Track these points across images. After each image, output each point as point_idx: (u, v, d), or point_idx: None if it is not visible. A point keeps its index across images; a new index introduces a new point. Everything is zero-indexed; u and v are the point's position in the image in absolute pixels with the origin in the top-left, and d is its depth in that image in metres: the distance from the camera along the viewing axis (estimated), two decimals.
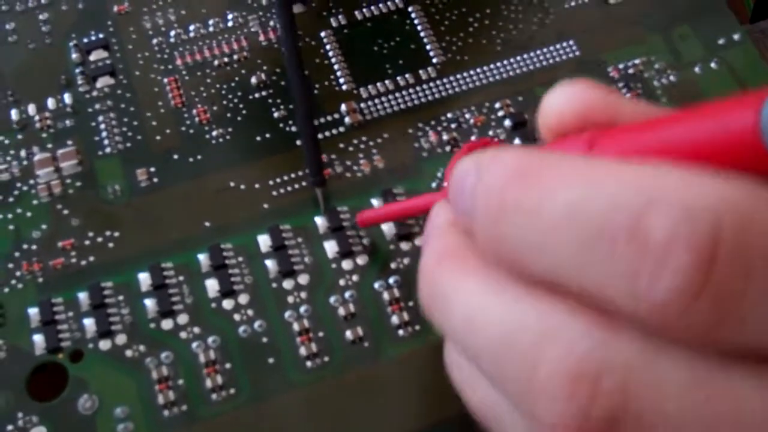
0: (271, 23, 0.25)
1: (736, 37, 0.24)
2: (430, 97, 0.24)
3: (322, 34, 0.25)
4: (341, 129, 0.23)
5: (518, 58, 0.24)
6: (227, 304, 0.21)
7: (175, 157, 0.23)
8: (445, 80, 0.24)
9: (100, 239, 0.22)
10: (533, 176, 0.12)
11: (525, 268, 0.12)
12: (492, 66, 0.24)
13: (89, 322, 0.20)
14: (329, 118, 0.23)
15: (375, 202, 0.22)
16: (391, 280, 0.21)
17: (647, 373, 0.10)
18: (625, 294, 0.10)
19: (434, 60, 0.24)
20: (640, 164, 0.11)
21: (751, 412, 0.10)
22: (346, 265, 0.21)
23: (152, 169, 0.23)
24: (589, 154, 0.12)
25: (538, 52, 0.24)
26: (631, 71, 0.24)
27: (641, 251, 0.10)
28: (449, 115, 0.23)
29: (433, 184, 0.22)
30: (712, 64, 0.24)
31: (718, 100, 0.12)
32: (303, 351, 0.20)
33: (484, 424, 0.14)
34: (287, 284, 0.21)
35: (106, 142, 0.23)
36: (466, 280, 0.13)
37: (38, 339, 0.20)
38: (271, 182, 0.22)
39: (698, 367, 0.10)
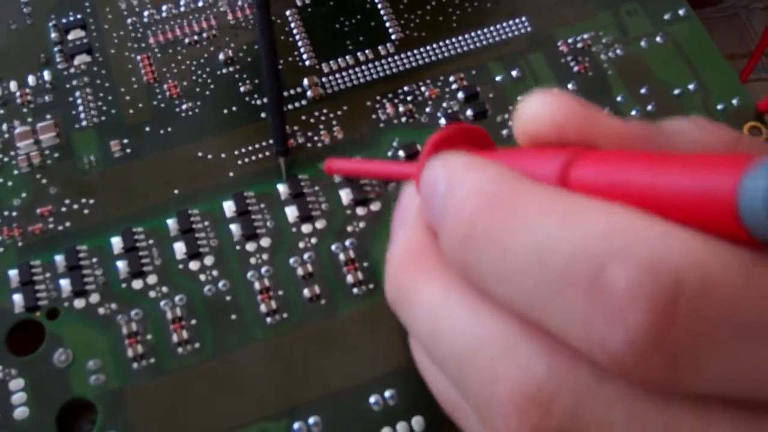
0: (240, 2, 0.26)
1: (681, 12, 0.26)
2: (388, 72, 0.25)
3: (287, 12, 0.26)
4: (303, 102, 0.24)
5: (472, 34, 0.25)
6: (193, 265, 0.22)
7: (147, 129, 0.24)
8: (402, 55, 0.25)
9: (76, 206, 0.23)
10: (505, 208, 0.12)
11: (488, 293, 0.12)
12: (447, 42, 0.25)
13: (65, 283, 0.22)
14: (292, 92, 0.25)
15: None
16: (347, 243, 0.22)
17: (596, 403, 0.11)
18: (582, 338, 0.11)
19: (393, 36, 0.25)
20: (610, 207, 0.11)
21: None
22: (306, 228, 0.22)
23: (125, 141, 0.24)
24: (564, 179, 0.12)
25: (492, 28, 0.25)
26: (579, 45, 0.25)
27: (600, 301, 0.10)
28: (406, 88, 0.24)
29: (389, 153, 0.24)
30: (658, 39, 0.25)
31: (708, 152, 0.12)
32: (263, 308, 0.21)
33: (444, 410, 0.15)
34: (250, 247, 0.22)
35: (82, 116, 0.24)
36: (431, 286, 0.13)
37: (17, 298, 0.22)
38: (236, 152, 0.24)
39: (643, 402, 0.11)
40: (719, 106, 0.24)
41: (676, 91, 0.24)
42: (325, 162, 0.22)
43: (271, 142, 0.24)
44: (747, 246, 0.10)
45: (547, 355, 0.11)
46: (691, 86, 0.24)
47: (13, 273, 0.22)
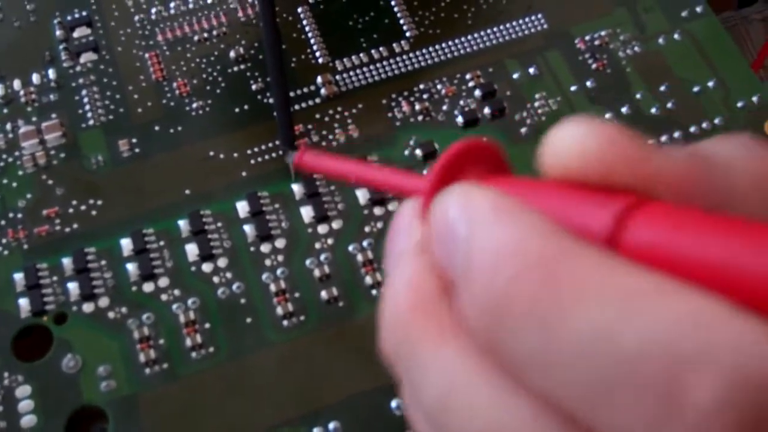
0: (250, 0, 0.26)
1: (698, 9, 0.25)
2: (403, 69, 0.24)
3: (299, 9, 0.25)
4: (317, 100, 0.24)
5: (488, 31, 0.25)
6: (206, 267, 0.21)
7: (156, 128, 0.23)
8: (417, 53, 0.25)
9: (83, 207, 0.22)
10: (553, 277, 0.09)
11: (521, 378, 0.10)
12: (463, 39, 0.25)
13: (73, 286, 0.21)
14: (306, 89, 0.24)
15: None
16: (364, 243, 0.22)
17: None
18: None
19: (407, 34, 0.25)
20: (686, 291, 0.09)
21: None
22: (322, 229, 0.22)
23: (134, 140, 0.23)
24: (616, 237, 0.10)
25: (508, 25, 0.25)
26: (597, 43, 0.25)
27: (674, 414, 0.08)
28: (421, 86, 0.24)
29: (406, 152, 0.23)
30: (676, 36, 0.25)
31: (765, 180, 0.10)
32: (280, 311, 0.21)
33: None
34: (264, 248, 0.22)
35: (89, 114, 0.24)
36: (448, 349, 0.11)
37: (23, 303, 0.21)
38: (249, 151, 0.23)
39: None
40: (739, 104, 0.24)
41: (696, 89, 0.24)
42: (298, 152, 0.15)
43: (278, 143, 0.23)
44: None
45: None
46: (710, 83, 0.24)
47: (18, 276, 0.21)
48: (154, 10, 0.26)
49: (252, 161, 0.23)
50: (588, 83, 0.24)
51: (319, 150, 0.23)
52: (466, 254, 0.10)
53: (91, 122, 0.24)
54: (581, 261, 0.09)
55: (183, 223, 0.22)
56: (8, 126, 0.24)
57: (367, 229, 0.22)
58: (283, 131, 0.22)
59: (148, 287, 0.21)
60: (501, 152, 0.12)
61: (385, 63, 0.24)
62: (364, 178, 0.15)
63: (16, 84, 0.24)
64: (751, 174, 0.11)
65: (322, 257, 0.21)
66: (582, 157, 0.10)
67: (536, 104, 0.24)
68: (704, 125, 0.23)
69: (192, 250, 0.22)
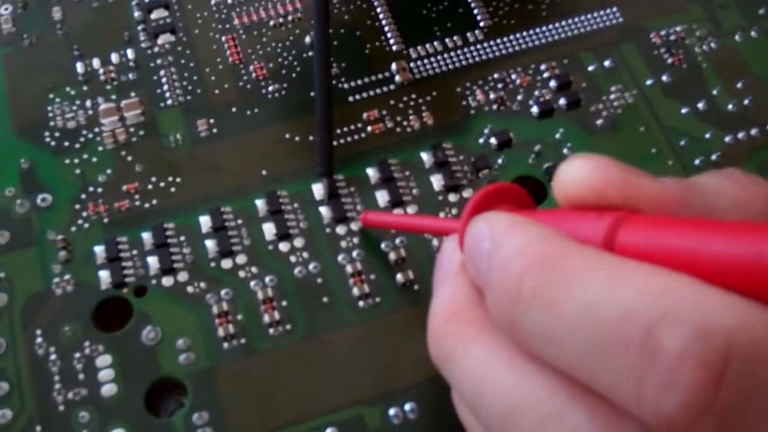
0: None
1: None
2: (477, 59, 0.25)
3: None
4: (392, 87, 0.24)
5: (563, 23, 0.25)
6: (283, 246, 0.22)
7: (234, 110, 0.24)
8: (492, 42, 0.25)
9: (162, 184, 0.23)
10: (553, 267, 0.12)
11: (535, 352, 0.12)
12: (537, 30, 0.25)
13: (152, 260, 0.22)
14: (380, 76, 0.24)
15: (424, 156, 0.23)
16: None
17: None
18: (631, 398, 0.11)
19: (481, 23, 0.25)
20: (659, 271, 0.11)
21: None
22: (398, 213, 0.22)
23: (212, 121, 0.24)
24: (610, 243, 0.12)
25: (582, 17, 0.25)
26: (672, 38, 0.25)
27: (651, 362, 0.10)
28: (496, 76, 0.24)
29: (481, 140, 0.23)
30: (752, 33, 0.25)
31: (746, 207, 0.12)
32: (356, 291, 0.21)
33: None
34: (340, 230, 0.22)
35: (167, 94, 0.24)
36: (475, 346, 0.14)
37: (104, 275, 0.21)
38: None
39: None
40: None
41: None
42: (362, 214, 0.21)
43: (359, 125, 0.23)
44: None
45: (594, 417, 0.11)
46: None
47: (99, 249, 0.22)
48: None
49: None
50: (664, 78, 0.24)
51: (395, 136, 0.23)
52: (488, 261, 0.13)
53: (169, 102, 0.24)
54: (575, 255, 0.12)
55: (260, 203, 0.22)
56: (88, 103, 0.24)
57: (441, 214, 0.22)
58: (322, 154, 0.22)
59: (226, 264, 0.21)
60: (524, 192, 0.16)
61: (459, 52, 0.25)
62: (416, 227, 0.19)
63: (96, 63, 0.25)
64: (732, 198, 0.13)
65: (398, 241, 0.22)
66: (578, 186, 0.13)
67: (611, 97, 0.24)
68: None
69: (269, 229, 0.22)
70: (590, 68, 0.24)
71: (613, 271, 0.11)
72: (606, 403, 0.11)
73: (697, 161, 0.23)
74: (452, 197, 0.22)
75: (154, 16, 0.26)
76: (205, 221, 0.22)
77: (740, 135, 0.23)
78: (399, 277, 0.21)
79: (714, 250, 0.11)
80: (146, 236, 0.22)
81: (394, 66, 0.24)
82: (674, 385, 0.10)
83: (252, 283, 0.21)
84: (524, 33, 0.25)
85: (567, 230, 0.13)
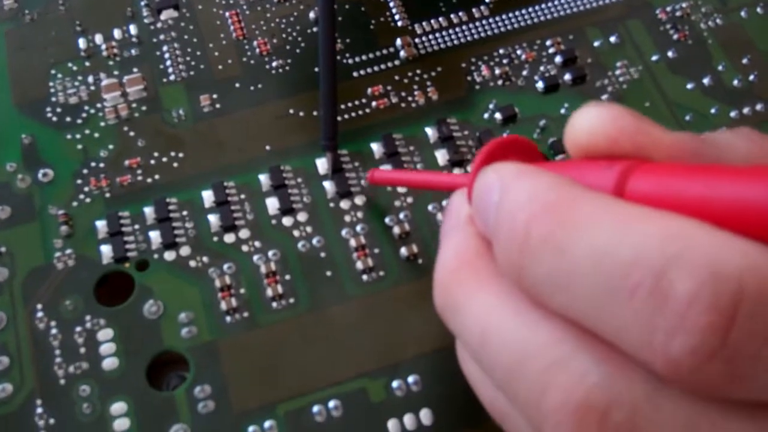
0: None
1: None
2: (482, 34, 0.24)
3: None
4: (396, 62, 0.24)
5: None
6: (287, 221, 0.22)
7: (237, 85, 0.24)
8: (497, 18, 0.25)
9: (164, 159, 0.23)
10: (562, 214, 0.12)
11: (543, 300, 0.12)
12: (543, 5, 0.25)
13: (155, 235, 0.21)
14: (385, 51, 0.24)
15: (429, 131, 0.23)
16: (444, 203, 0.22)
17: (651, 411, 0.11)
18: (639, 344, 0.10)
19: None
20: (670, 216, 0.11)
21: None
22: (401, 188, 0.22)
23: (215, 96, 0.23)
24: (620, 190, 0.12)
25: None
26: (678, 14, 0.24)
27: (661, 306, 0.10)
28: (501, 51, 0.24)
29: (486, 115, 0.23)
30: (758, 9, 0.25)
31: (759, 163, 0.12)
32: (360, 265, 0.21)
33: (493, 418, 0.15)
34: (344, 204, 0.22)
35: (170, 70, 0.24)
36: (482, 294, 0.13)
37: (105, 249, 0.21)
38: None
39: (701, 411, 0.11)
40: None
41: None
42: (369, 172, 0.21)
43: (364, 101, 0.23)
44: None
45: (601, 364, 0.11)
46: None
47: (101, 224, 0.22)
48: None
49: None
50: (669, 53, 0.24)
51: (400, 111, 0.23)
52: (496, 209, 0.13)
53: (172, 77, 0.24)
54: (585, 202, 0.12)
55: (263, 178, 0.22)
56: (90, 78, 0.24)
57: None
58: (327, 127, 0.21)
59: (229, 238, 0.21)
60: (534, 146, 0.15)
61: (464, 27, 0.24)
62: (424, 183, 0.19)
63: (98, 38, 0.25)
64: (744, 153, 0.13)
65: (402, 215, 0.22)
66: (590, 132, 0.13)
67: (617, 72, 0.23)
68: None
69: (272, 203, 0.22)
70: (596, 44, 0.24)
71: (623, 216, 0.11)
72: (613, 351, 0.11)
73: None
74: (457, 172, 0.22)
75: None
76: (207, 196, 0.22)
77: (745, 110, 0.23)
78: (403, 250, 0.21)
79: (726, 196, 0.11)
80: (148, 211, 0.22)
81: (398, 41, 0.24)
82: (684, 329, 0.10)
83: (255, 257, 0.21)
84: (530, 8, 0.25)
85: (577, 178, 0.13)
